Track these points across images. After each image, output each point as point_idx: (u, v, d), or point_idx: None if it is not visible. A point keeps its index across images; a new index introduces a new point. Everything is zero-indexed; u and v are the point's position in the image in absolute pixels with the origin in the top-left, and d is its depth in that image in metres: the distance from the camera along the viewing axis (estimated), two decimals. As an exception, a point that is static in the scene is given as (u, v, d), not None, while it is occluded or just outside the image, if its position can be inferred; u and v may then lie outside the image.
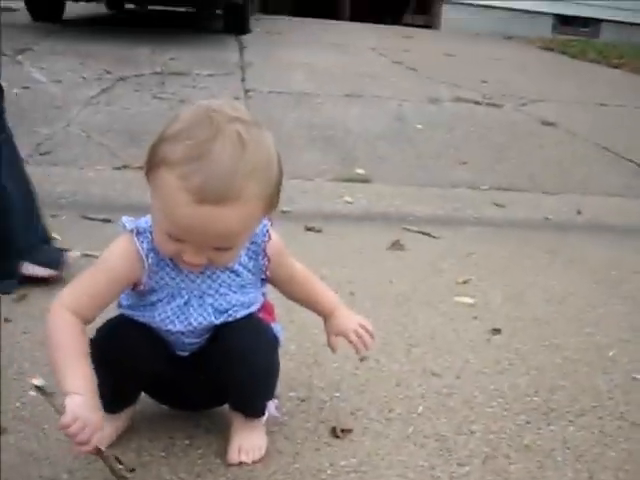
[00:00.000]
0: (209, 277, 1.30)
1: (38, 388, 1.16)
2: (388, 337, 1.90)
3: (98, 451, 1.21)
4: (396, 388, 1.66)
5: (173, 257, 1.24)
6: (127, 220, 1.28)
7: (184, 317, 1.30)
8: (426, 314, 2.06)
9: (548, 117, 4.71)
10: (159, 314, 1.31)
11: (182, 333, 1.32)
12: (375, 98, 4.85)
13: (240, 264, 1.32)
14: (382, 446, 1.45)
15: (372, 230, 2.78)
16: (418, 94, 5.03)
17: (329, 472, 1.36)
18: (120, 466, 1.27)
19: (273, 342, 1.38)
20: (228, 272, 1.31)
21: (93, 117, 3.93)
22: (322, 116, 4.34)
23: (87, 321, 1.26)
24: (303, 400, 1.59)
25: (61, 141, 3.50)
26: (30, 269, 2.06)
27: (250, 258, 1.33)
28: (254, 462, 1.36)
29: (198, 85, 4.74)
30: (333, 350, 1.52)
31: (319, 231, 2.71)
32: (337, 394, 1.62)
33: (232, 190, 1.11)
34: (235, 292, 1.33)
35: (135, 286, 1.29)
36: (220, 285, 1.31)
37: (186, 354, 1.37)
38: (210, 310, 1.31)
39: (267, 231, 1.33)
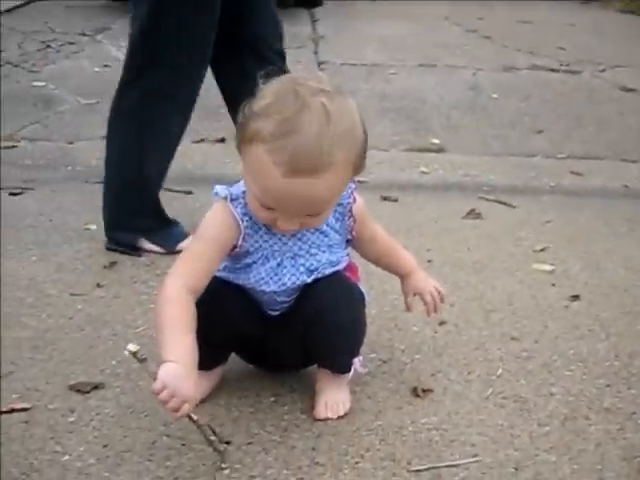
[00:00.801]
0: (299, 239, 1.36)
1: (132, 353, 1.20)
2: (466, 303, 1.92)
3: (192, 420, 1.23)
4: (475, 351, 1.69)
5: (267, 223, 1.30)
6: (220, 188, 1.34)
7: (277, 278, 1.36)
8: (504, 281, 2.07)
9: (628, 83, 4.58)
10: (254, 276, 1.37)
11: (275, 292, 1.38)
12: (449, 67, 4.81)
13: (328, 225, 1.37)
14: (462, 406, 1.48)
15: (448, 199, 2.79)
16: (493, 62, 4.97)
17: (410, 429, 1.40)
18: (213, 437, 1.29)
19: (360, 298, 1.43)
20: (317, 233, 1.37)
21: (171, 92, 4.01)
22: (396, 87, 4.33)
23: (198, 293, 1.29)
24: (385, 362, 1.63)
25: (141, 116, 3.59)
26: (147, 245, 2.17)
27: (337, 220, 1.39)
28: (339, 417, 1.41)
29: (272, 59, 4.77)
30: (409, 309, 1.58)
31: (395, 201, 2.73)
32: (417, 356, 1.66)
33: (320, 162, 1.17)
34: (324, 252, 1.38)
35: (231, 250, 1.35)
36: (310, 246, 1.37)
37: (277, 313, 1.43)
38: (302, 270, 1.37)
39: (352, 193, 1.38)
